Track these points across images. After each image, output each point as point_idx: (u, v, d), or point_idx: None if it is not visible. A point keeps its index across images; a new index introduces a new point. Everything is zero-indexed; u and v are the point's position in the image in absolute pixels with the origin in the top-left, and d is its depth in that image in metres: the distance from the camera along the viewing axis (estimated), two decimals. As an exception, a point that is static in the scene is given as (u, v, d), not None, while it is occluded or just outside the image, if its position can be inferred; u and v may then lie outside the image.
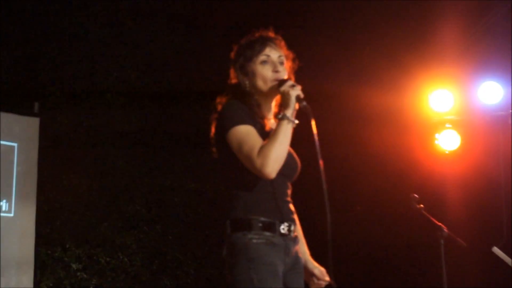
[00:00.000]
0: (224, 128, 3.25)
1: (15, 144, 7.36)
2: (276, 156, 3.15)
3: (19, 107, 7.64)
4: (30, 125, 7.48)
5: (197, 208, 9.16)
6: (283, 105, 3.29)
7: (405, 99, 7.21)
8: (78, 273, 8.23)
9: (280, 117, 3.23)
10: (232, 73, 3.54)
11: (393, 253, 7.69)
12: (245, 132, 3.22)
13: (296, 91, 3.26)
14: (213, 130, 3.41)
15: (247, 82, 3.44)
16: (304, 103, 3.26)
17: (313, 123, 3.25)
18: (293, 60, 3.55)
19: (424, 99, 7.04)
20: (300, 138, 3.37)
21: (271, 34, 3.55)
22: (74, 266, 8.23)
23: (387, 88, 7.14)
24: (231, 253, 3.25)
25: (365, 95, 6.95)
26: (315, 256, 3.65)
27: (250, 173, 3.21)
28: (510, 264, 6.49)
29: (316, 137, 3.26)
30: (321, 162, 3.24)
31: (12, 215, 7.24)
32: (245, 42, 3.53)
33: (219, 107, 3.41)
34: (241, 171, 3.24)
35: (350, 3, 7.04)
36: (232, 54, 3.55)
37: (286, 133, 3.20)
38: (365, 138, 7.13)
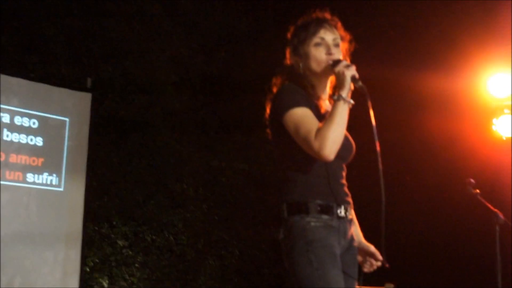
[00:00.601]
0: (280, 111, 3.20)
1: (66, 119, 7.36)
2: (334, 137, 3.10)
3: (72, 82, 7.66)
4: (82, 100, 7.46)
5: (243, 189, 9.15)
6: (338, 85, 3.22)
7: (463, 84, 7.04)
8: (124, 250, 8.25)
9: (335, 98, 3.17)
10: (287, 53, 3.49)
11: (447, 238, 7.56)
12: (302, 115, 3.17)
13: (351, 71, 3.20)
14: (267, 111, 3.35)
15: (300, 64, 3.38)
16: (360, 83, 3.20)
17: (369, 103, 3.19)
18: (350, 42, 3.47)
19: (483, 83, 6.85)
20: (356, 120, 3.31)
21: (327, 15, 3.47)
22: (120, 243, 8.25)
23: (444, 72, 6.98)
24: (289, 236, 3.22)
25: (421, 79, 6.82)
26: (368, 238, 3.61)
27: (306, 156, 3.18)
28: None
29: (372, 118, 3.18)
30: (377, 144, 3.18)
31: (62, 189, 7.27)
32: (300, 23, 3.47)
33: (274, 89, 3.37)
34: (297, 153, 3.20)
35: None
36: (288, 35, 3.50)
37: (342, 114, 3.14)
38: (421, 123, 7.01)
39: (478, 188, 5.83)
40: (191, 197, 8.82)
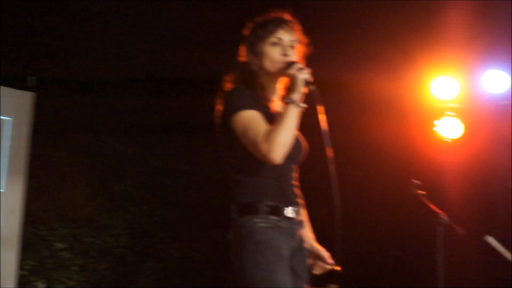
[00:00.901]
0: (228, 113, 3.24)
1: (8, 118, 7.20)
2: (282, 141, 3.13)
3: (14, 80, 7.49)
4: (24, 99, 7.31)
5: (186, 191, 9.03)
6: (291, 88, 3.27)
7: (406, 86, 7.08)
8: (62, 253, 8.06)
9: (287, 101, 3.21)
10: (242, 50, 3.51)
11: (392, 239, 7.59)
12: (250, 117, 3.21)
13: (304, 75, 3.23)
14: (219, 107, 3.36)
15: (255, 62, 3.41)
16: (312, 87, 3.23)
17: (319, 108, 3.25)
18: (306, 46, 3.50)
19: (427, 85, 6.90)
20: (308, 123, 3.32)
21: (287, 16, 3.51)
22: (58, 245, 8.05)
23: (388, 74, 7.01)
24: (237, 237, 3.26)
25: (365, 81, 6.82)
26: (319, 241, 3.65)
27: (255, 158, 3.21)
28: (503, 254, 6.41)
29: (323, 122, 3.25)
30: (328, 149, 3.24)
31: (3, 190, 7.11)
32: (259, 21, 3.51)
33: (226, 87, 3.39)
34: (246, 156, 3.23)
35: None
36: (245, 32, 3.52)
37: (292, 117, 3.18)
38: (365, 125, 7.00)
39: (422, 189, 5.87)
40: (132, 199, 8.67)
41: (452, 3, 6.69)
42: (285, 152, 3.17)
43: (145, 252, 8.64)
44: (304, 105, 3.22)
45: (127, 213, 8.62)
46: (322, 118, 3.24)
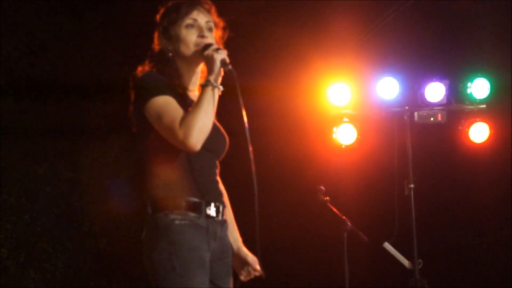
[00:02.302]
0: (141, 100, 2.98)
1: None
2: (201, 125, 2.88)
3: None
4: None
5: (69, 198, 8.70)
6: (208, 70, 3.02)
7: (304, 92, 7.16)
8: None
9: (203, 84, 2.99)
10: (155, 38, 3.24)
11: (300, 244, 7.66)
12: (164, 103, 2.95)
13: (221, 55, 3.00)
14: (132, 97, 3.11)
15: (170, 47, 3.15)
16: (230, 67, 3.00)
17: (238, 89, 2.99)
18: (223, 29, 3.26)
19: (323, 92, 7.01)
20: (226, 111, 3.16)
21: None
22: None
23: (286, 81, 7.07)
24: (151, 235, 2.97)
25: (263, 88, 6.83)
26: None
27: (172, 148, 2.95)
28: (400, 260, 6.64)
29: (242, 103, 2.99)
30: (248, 138, 2.99)
31: None
32: (171, 4, 3.23)
33: (136, 74, 3.14)
34: (161, 146, 2.97)
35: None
36: (157, 17, 3.24)
37: (210, 100, 2.94)
38: (266, 131, 7.00)
39: (327, 196, 5.98)
40: (13, 207, 8.26)
41: (345, 14, 6.88)
42: (204, 137, 2.91)
43: (28, 263, 8.27)
44: (221, 88, 3.00)
45: (8, 222, 8.21)
46: (241, 101, 2.98)
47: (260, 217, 3.00)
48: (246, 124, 3.01)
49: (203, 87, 2.97)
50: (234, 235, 3.33)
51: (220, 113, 3.16)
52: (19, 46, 8.02)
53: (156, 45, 3.22)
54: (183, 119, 2.88)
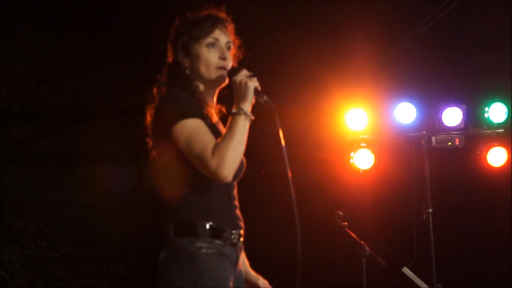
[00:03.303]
0: (168, 122, 2.81)
1: None
2: (233, 157, 2.75)
3: None
4: None
5: (87, 224, 8.75)
6: (239, 97, 2.86)
7: (322, 118, 7.20)
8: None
9: (236, 112, 2.82)
10: (169, 50, 3.10)
11: (318, 269, 7.65)
12: (195, 128, 2.80)
13: (255, 83, 2.87)
14: (149, 117, 2.98)
15: (187, 64, 3.02)
16: (266, 97, 2.87)
17: (277, 121, 2.87)
18: (239, 48, 3.14)
19: (341, 118, 7.04)
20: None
21: (223, 14, 3.11)
22: (-50, 283, 7.62)
23: (304, 107, 7.12)
24: (174, 260, 2.84)
25: (281, 113, 6.87)
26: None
27: (201, 174, 2.81)
28: (419, 284, 6.60)
29: (282, 139, 2.89)
30: (288, 170, 2.89)
31: None
32: (192, 18, 3.08)
33: (155, 90, 2.99)
34: (190, 171, 2.84)
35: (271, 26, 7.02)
36: (174, 29, 3.10)
37: (243, 130, 2.80)
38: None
39: (345, 221, 5.97)
40: (31, 234, 8.32)
41: (362, 42, 6.93)
42: (236, 169, 2.79)
43: (46, 289, 8.32)
44: (253, 117, 2.84)
45: (26, 249, 8.26)
46: (281, 134, 2.87)
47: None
48: (285, 153, 2.92)
49: (235, 115, 2.82)
50: (243, 259, 3.23)
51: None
52: (37, 73, 8.13)
53: (170, 58, 3.10)
54: (216, 149, 2.75)
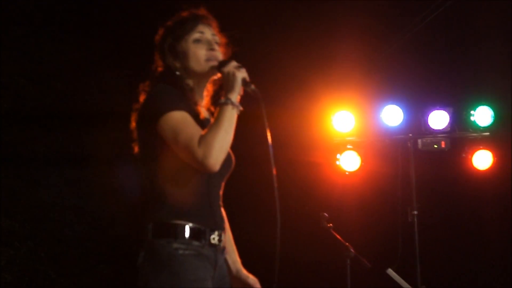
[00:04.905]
0: (154, 115, 2.81)
1: None
2: (220, 145, 2.74)
3: None
4: None
5: (74, 225, 8.73)
6: (226, 88, 2.88)
7: (308, 120, 7.23)
8: None
9: (223, 102, 2.83)
10: (157, 59, 3.11)
11: (303, 271, 7.66)
12: (181, 119, 2.80)
13: (243, 73, 2.89)
14: (133, 121, 2.98)
15: (177, 65, 3.03)
16: (253, 86, 2.89)
17: (263, 110, 2.89)
18: (226, 45, 3.13)
19: (327, 120, 7.08)
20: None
21: (202, 11, 3.14)
22: None
23: (290, 109, 7.14)
24: (151, 262, 2.82)
25: (270, 115, 6.89)
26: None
27: (183, 170, 2.82)
28: (404, 286, 6.63)
29: (267, 130, 2.89)
30: (271, 162, 2.90)
31: None
32: (173, 20, 3.12)
33: (142, 97, 2.98)
34: (171, 168, 2.84)
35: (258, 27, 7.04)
36: (157, 37, 3.12)
37: (231, 120, 2.80)
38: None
39: (331, 222, 6.00)
40: (17, 234, 8.29)
41: (349, 45, 6.97)
42: (223, 158, 2.77)
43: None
44: (241, 108, 2.86)
45: (12, 248, 8.24)
46: (266, 123, 2.88)
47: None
48: (270, 144, 2.93)
49: (223, 105, 2.83)
50: (233, 257, 3.23)
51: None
52: (25, 74, 8.11)
53: (159, 66, 3.10)
54: (203, 138, 2.74)
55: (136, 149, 3.00)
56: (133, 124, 2.99)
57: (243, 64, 2.97)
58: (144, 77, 3.10)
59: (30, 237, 8.40)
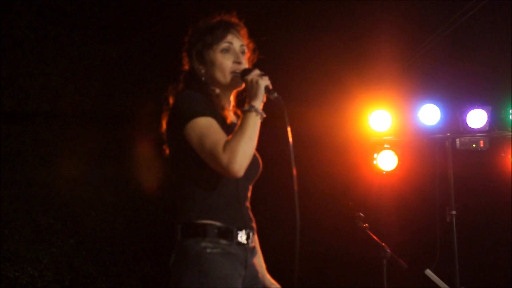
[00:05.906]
0: (181, 121, 2.87)
1: None
2: (244, 151, 2.78)
3: None
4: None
5: (113, 223, 8.83)
6: (250, 96, 2.92)
7: (345, 119, 7.21)
8: (-17, 289, 7.74)
9: (247, 109, 2.87)
10: (184, 58, 3.17)
11: (338, 271, 7.65)
12: (207, 125, 2.85)
13: (265, 81, 2.92)
14: (164, 124, 3.04)
15: (203, 71, 3.09)
16: (276, 94, 2.92)
17: (286, 117, 2.90)
18: (253, 51, 3.19)
19: (364, 119, 7.05)
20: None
21: (234, 19, 3.17)
22: (-20, 280, 7.74)
23: (327, 108, 7.13)
24: (181, 262, 2.88)
25: (304, 115, 6.89)
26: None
27: (211, 172, 2.86)
28: (442, 287, 6.57)
29: (289, 134, 2.88)
30: (293, 164, 2.87)
31: None
32: (204, 25, 3.14)
33: (171, 99, 3.04)
34: (200, 169, 2.89)
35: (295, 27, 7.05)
36: (187, 38, 3.17)
37: (254, 126, 2.84)
38: (306, 157, 7.05)
39: (365, 222, 5.97)
40: (58, 231, 8.41)
41: (386, 44, 6.93)
42: (247, 164, 2.81)
43: (72, 286, 8.39)
44: (265, 115, 2.88)
45: (53, 246, 8.36)
46: (289, 129, 2.88)
47: (290, 245, 2.95)
48: (291, 148, 2.90)
49: (246, 112, 2.87)
50: (259, 262, 3.24)
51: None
52: (64, 74, 8.21)
53: (186, 66, 3.16)
54: (227, 144, 2.78)
55: (167, 151, 3.04)
56: (164, 127, 3.04)
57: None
58: (175, 77, 3.15)
59: (71, 234, 8.52)
